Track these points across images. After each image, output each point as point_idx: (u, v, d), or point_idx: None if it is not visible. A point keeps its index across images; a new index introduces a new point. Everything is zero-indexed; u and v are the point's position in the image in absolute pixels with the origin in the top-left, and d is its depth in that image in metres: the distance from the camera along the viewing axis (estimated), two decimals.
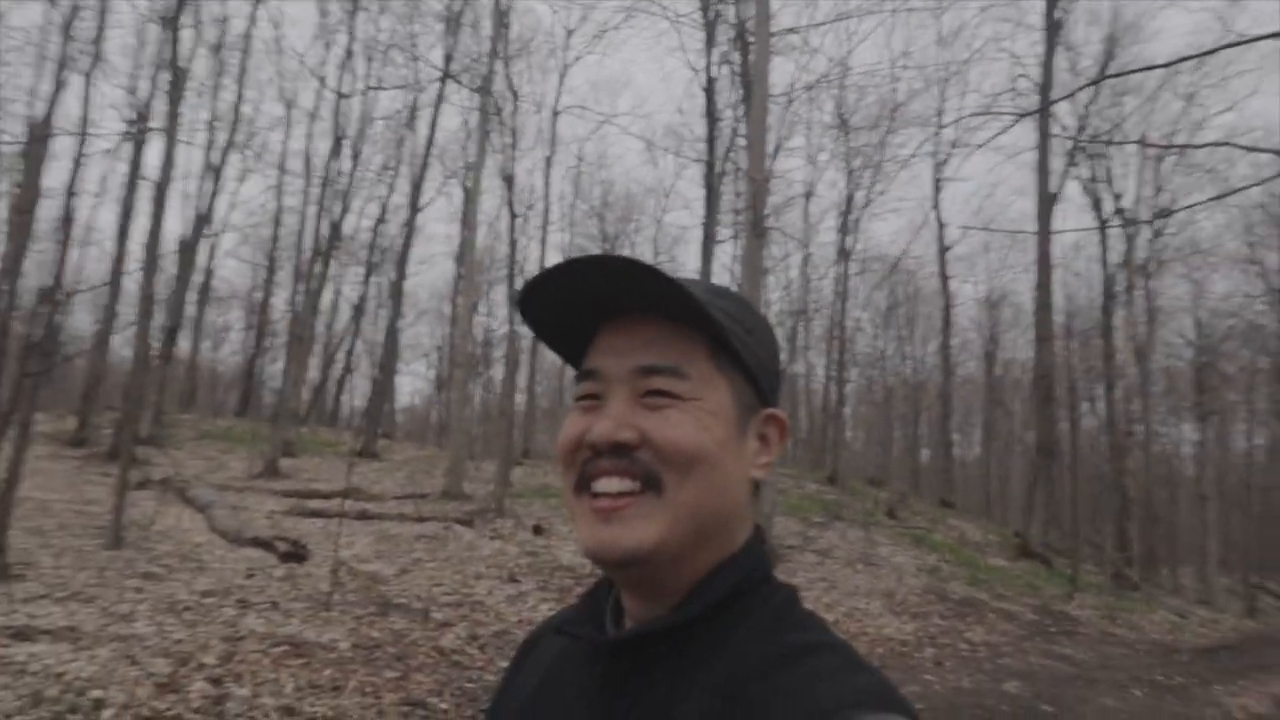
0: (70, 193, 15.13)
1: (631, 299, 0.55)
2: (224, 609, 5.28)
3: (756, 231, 11.20)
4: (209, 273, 25.70)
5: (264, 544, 7.36)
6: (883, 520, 14.00)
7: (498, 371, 30.24)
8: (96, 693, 3.59)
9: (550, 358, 30.92)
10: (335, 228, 18.48)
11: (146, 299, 14.08)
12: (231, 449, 15.78)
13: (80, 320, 21.75)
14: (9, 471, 5.64)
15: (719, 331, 0.54)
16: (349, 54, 17.66)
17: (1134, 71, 13.46)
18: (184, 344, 27.30)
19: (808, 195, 23.41)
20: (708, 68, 18.73)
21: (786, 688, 0.49)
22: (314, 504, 10.39)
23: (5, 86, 16.63)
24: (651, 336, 0.56)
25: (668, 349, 0.55)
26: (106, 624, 4.68)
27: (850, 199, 21.17)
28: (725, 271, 23.22)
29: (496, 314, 27.98)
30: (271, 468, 12.91)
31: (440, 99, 19.56)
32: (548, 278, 0.55)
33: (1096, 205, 18.63)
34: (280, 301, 24.45)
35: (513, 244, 14.14)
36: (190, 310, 21.63)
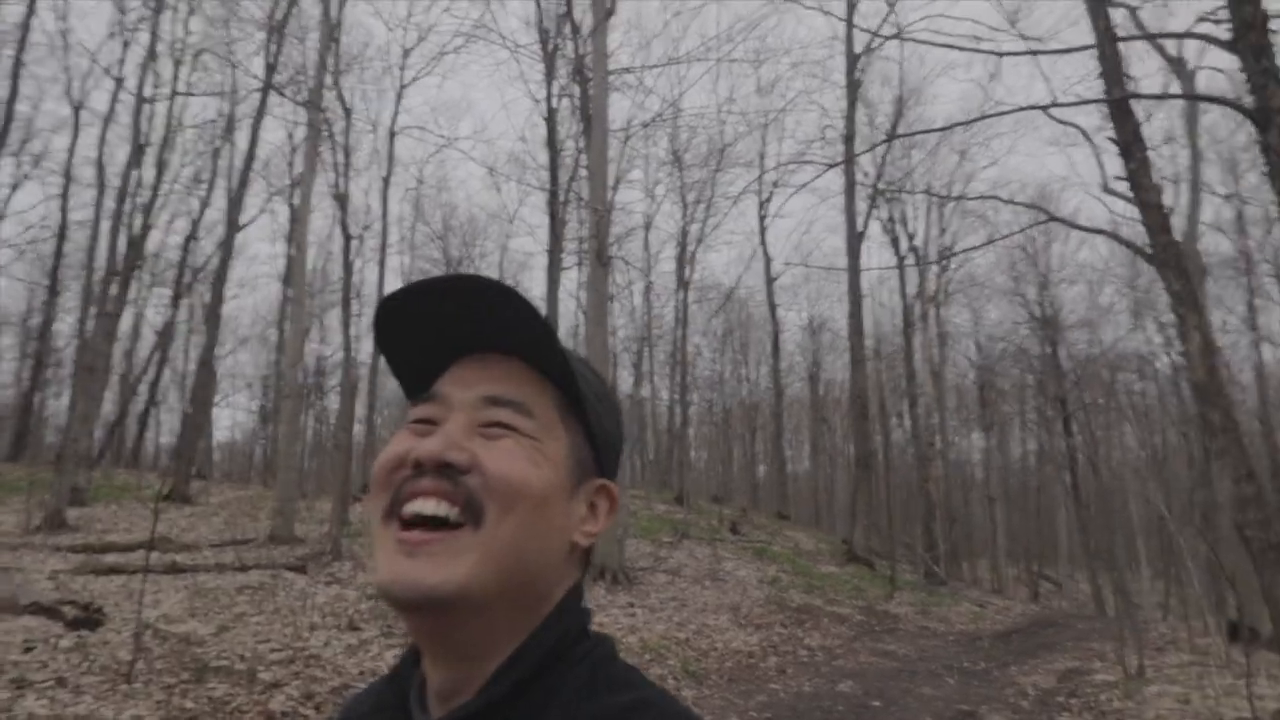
0: None
1: (490, 333, 0.54)
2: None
3: (601, 260, 11.53)
4: None
5: (46, 610, 6.34)
6: (727, 536, 14.72)
7: (331, 401, 28.30)
8: None
9: (391, 386, 29.45)
10: (135, 244, 16.46)
11: None
12: (2, 499, 13.44)
13: None
14: None
15: (571, 379, 0.54)
16: (152, 55, 15.97)
17: (917, 133, 15.63)
18: None
19: (647, 226, 24.37)
20: (548, 98, 19.02)
21: None
22: (110, 559, 9.12)
23: None
24: (503, 371, 0.54)
25: (518, 386, 0.54)
26: None
27: (686, 231, 22.33)
28: (570, 298, 23.51)
29: (330, 339, 26.24)
30: (55, 519, 11.15)
31: (262, 110, 18.19)
32: (409, 295, 0.53)
33: (895, 243, 21.21)
34: (65, 327, 21.32)
35: (347, 266, 13.40)
36: None
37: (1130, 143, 4.65)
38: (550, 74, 18.02)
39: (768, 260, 22.23)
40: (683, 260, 21.62)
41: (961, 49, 6.21)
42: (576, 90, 17.17)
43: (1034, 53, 4.88)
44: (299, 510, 12.59)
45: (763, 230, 22.40)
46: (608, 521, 0.58)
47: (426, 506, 0.49)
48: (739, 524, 16.18)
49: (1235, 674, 5.66)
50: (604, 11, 12.01)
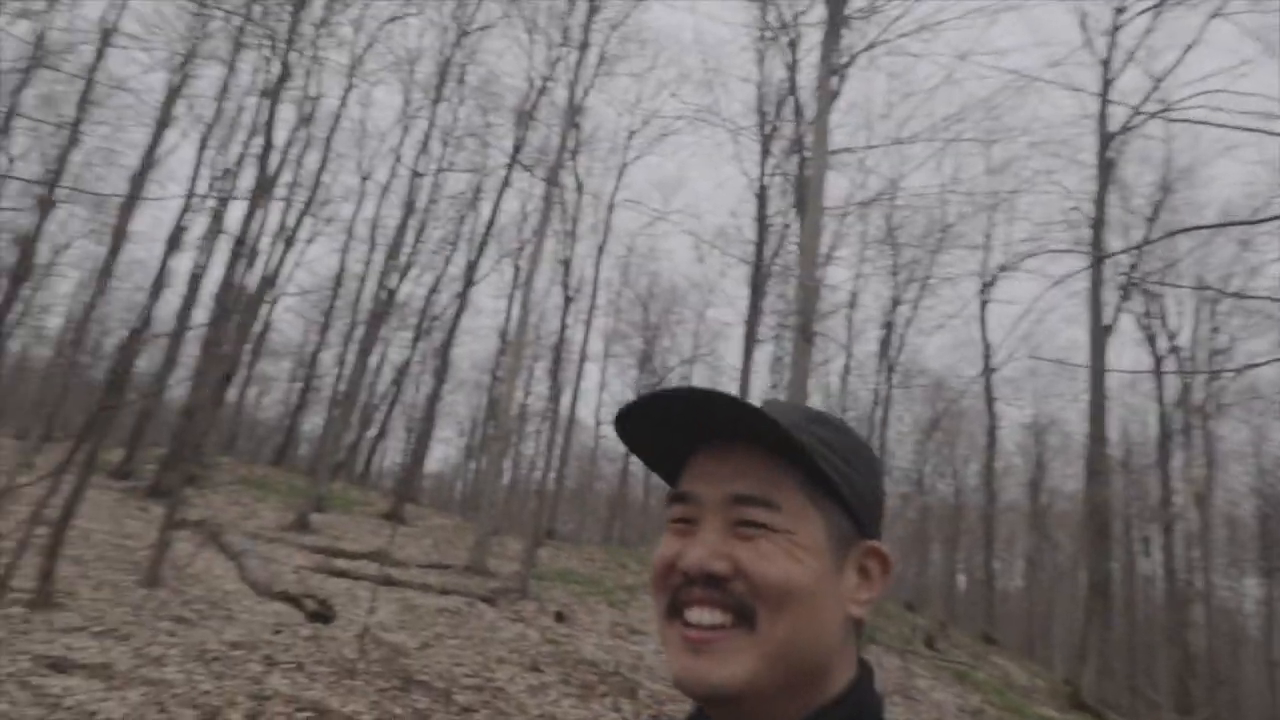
0: (171, 244, 16.09)
1: (723, 426, 0.55)
2: (250, 664, 5.18)
3: (805, 336, 11.29)
4: (267, 325, 26.74)
5: (292, 600, 7.28)
6: (921, 650, 13.24)
7: (526, 447, 30.29)
8: None
9: (584, 439, 30.87)
10: (391, 294, 19.21)
11: (212, 346, 14.65)
12: (265, 497, 15.88)
13: (141, 360, 22.61)
14: (67, 501, 5.76)
15: (810, 462, 0.54)
16: (427, 137, 18.90)
17: (1183, 231, 13.64)
18: (233, 390, 28.11)
19: (851, 304, 23.69)
20: (761, 176, 19.53)
21: None
22: (340, 563, 10.30)
23: (111, 140, 18.08)
24: (744, 463, 0.55)
25: (760, 478, 0.54)
26: (138, 665, 4.62)
27: (894, 310, 21.33)
28: (764, 368, 23.30)
29: (534, 389, 28.30)
30: (302, 521, 12.92)
31: (505, 183, 20.66)
32: (638, 406, 0.56)
33: (1151, 341, 18.39)
34: (328, 358, 25.18)
35: (563, 325, 14.51)
36: (245, 358, 22.36)
37: None
38: (765, 152, 18.58)
39: (987, 348, 20.49)
40: (889, 340, 20.64)
41: (1246, 129, 5.34)
42: (791, 169, 17.50)
43: None
44: (492, 545, 13.43)
45: (984, 316, 20.79)
46: (883, 585, 0.58)
47: (704, 618, 0.52)
48: (936, 638, 14.51)
49: None
50: (829, 95, 12.15)
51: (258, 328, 21.02)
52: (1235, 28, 15.51)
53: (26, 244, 15.20)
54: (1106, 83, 15.56)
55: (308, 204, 21.28)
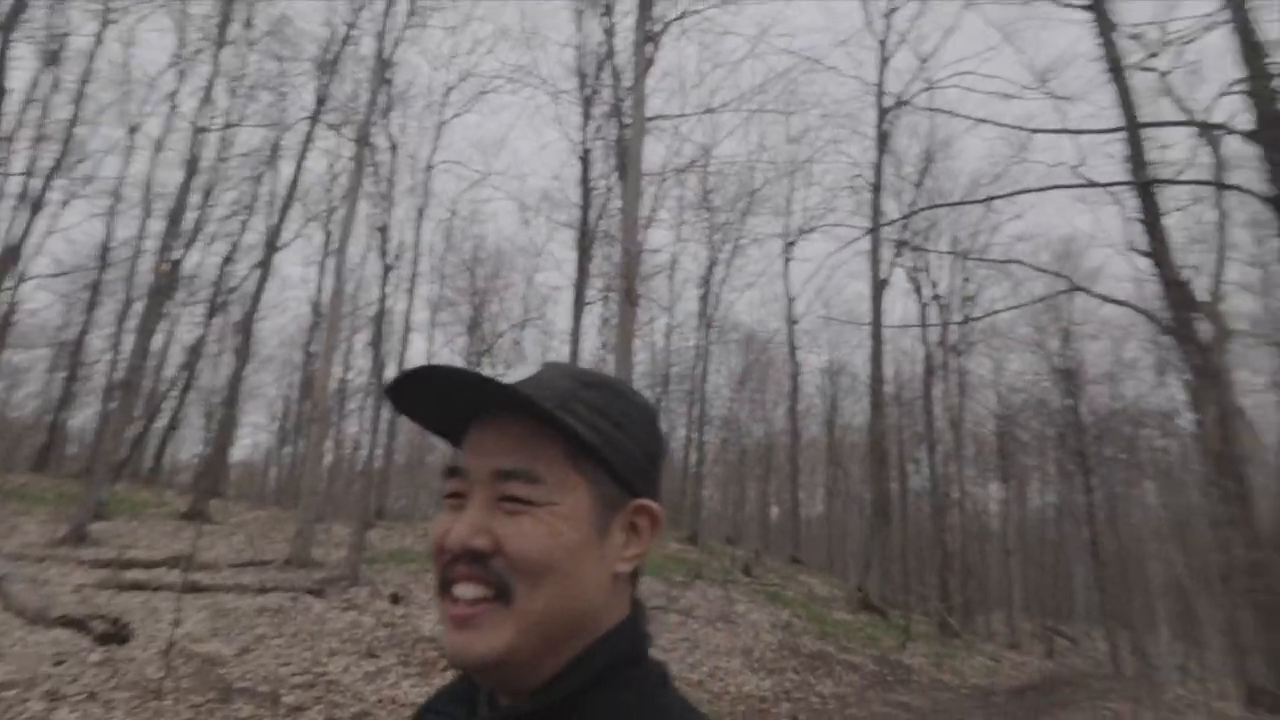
0: None
1: (490, 401, 0.57)
2: (29, 703, 4.63)
3: (629, 300, 11.73)
4: (12, 306, 22.56)
5: (75, 624, 6.49)
6: (739, 578, 14.59)
7: (350, 425, 28.58)
8: None
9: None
10: (176, 264, 17.02)
11: None
12: (28, 510, 13.69)
13: None
14: None
15: (571, 431, 0.56)
16: (209, 85, 16.70)
17: (944, 205, 15.93)
18: None
19: (672, 266, 24.74)
20: (584, 140, 19.61)
21: None
22: (134, 575, 9.26)
23: None
24: (509, 436, 0.57)
25: (523, 451, 0.57)
26: None
27: (711, 272, 22.62)
28: (594, 330, 23.78)
29: (355, 364, 26.64)
30: (79, 533, 11.35)
31: (309, 141, 18.88)
32: (400, 383, 0.58)
33: (918, 292, 21.36)
34: (97, 342, 21.87)
35: (383, 294, 13.78)
36: None
37: (1152, 223, 4.80)
38: (587, 116, 18.60)
39: (790, 302, 22.44)
40: (706, 299, 21.87)
41: (991, 123, 6.38)
42: (612, 133, 17.71)
43: (1060, 130, 5.05)
44: (316, 534, 12.71)
45: (786, 274, 22.67)
46: (652, 538, 0.60)
47: (466, 591, 0.55)
48: (752, 566, 16.05)
49: None
50: (645, 62, 12.45)
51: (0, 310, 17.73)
52: (982, 19, 17.89)
53: None
54: (883, 60, 17.35)
55: (58, 161, 18.07)
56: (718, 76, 35.35)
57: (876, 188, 16.75)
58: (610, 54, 16.62)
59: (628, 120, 15.64)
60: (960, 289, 20.37)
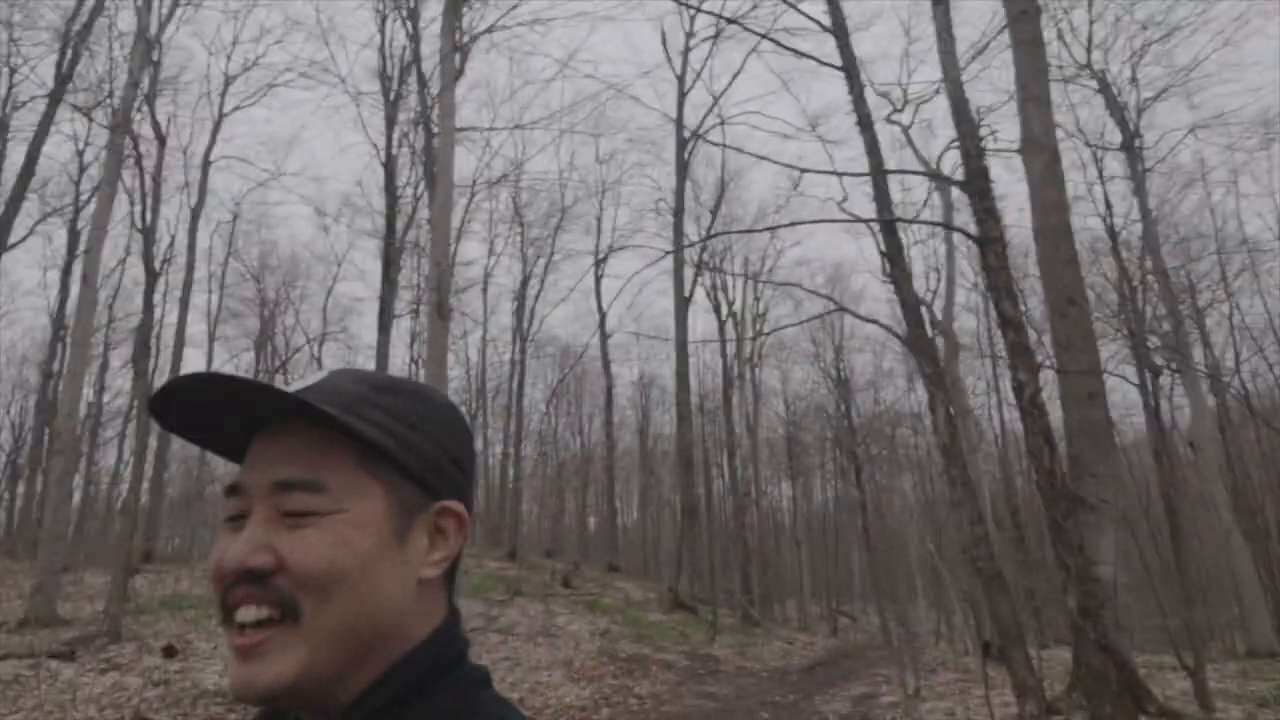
0: None
1: (269, 411, 0.54)
2: None
3: (441, 314, 11.50)
4: None
5: None
6: (559, 591, 14.76)
7: (105, 455, 24.55)
8: None
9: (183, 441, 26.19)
10: None
11: None
12: None
13: None
14: None
15: (359, 435, 0.53)
16: None
17: (736, 232, 17.57)
18: None
19: (485, 279, 24.47)
20: (389, 145, 18.80)
21: None
22: None
23: None
24: (291, 446, 0.53)
25: (306, 460, 0.53)
26: None
27: (525, 286, 22.71)
28: (402, 344, 22.76)
29: (112, 384, 22.98)
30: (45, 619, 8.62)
31: (47, 123, 16.04)
32: (170, 394, 0.53)
33: (716, 309, 23.29)
34: None
35: (148, 304, 12.05)
36: None
37: (894, 255, 5.81)
38: (391, 121, 17.82)
39: (603, 317, 23.16)
40: (521, 314, 21.86)
41: (772, 161, 7.25)
42: (418, 140, 17.14)
43: (828, 172, 5.94)
44: (62, 586, 10.81)
45: (598, 290, 23.39)
46: (459, 540, 0.57)
47: (247, 615, 0.50)
48: (571, 578, 16.28)
49: (991, 686, 6.83)
50: (453, 72, 12.30)
51: None
52: (764, 65, 20.04)
53: None
54: (682, 95, 18.70)
55: None
56: (528, 93, 35.66)
57: (678, 211, 17.97)
58: (416, 60, 16.14)
59: (436, 129, 15.28)
60: (752, 307, 22.55)
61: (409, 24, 15.69)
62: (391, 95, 18.47)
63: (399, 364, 22.15)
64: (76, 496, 19.74)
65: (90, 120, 15.97)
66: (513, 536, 19.18)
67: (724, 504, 24.07)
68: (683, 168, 18.15)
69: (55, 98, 15.43)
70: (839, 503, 27.80)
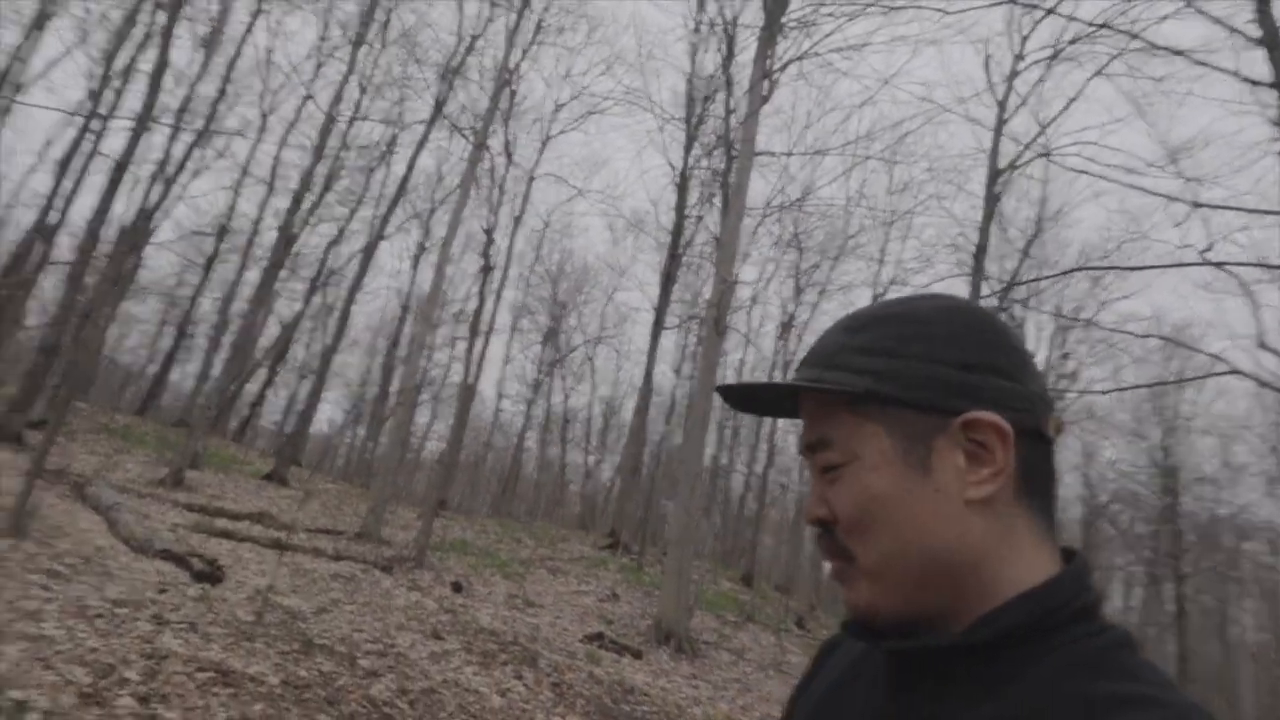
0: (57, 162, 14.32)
1: (785, 393, 0.62)
2: (138, 623, 4.89)
3: (718, 329, 11.75)
4: (138, 261, 24.39)
5: (176, 558, 6.86)
6: (792, 629, 14.17)
7: (420, 415, 29.40)
8: (16, 693, 3.29)
9: (481, 412, 30.41)
10: (290, 240, 18.06)
11: (74, 283, 13.30)
12: (130, 449, 14.63)
13: None
14: None
15: (836, 392, 0.56)
16: (345, 80, 17.85)
17: (1078, 270, 15.28)
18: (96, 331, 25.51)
19: (754, 300, 24.67)
20: (684, 167, 19.91)
21: None
22: (222, 523, 9.74)
23: None
24: (810, 410, 0.59)
25: (818, 421, 0.58)
26: (12, 619, 4.27)
27: (794, 313, 22.40)
28: (670, 354, 23.85)
29: (434, 358, 27.50)
30: (177, 477, 12.05)
31: (423, 141, 19.87)
32: (731, 392, 0.63)
33: None
34: (207, 302, 23.36)
35: (482, 295, 14.25)
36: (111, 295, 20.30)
37: None
38: (690, 144, 18.91)
39: None
40: (786, 341, 21.66)
41: (1142, 189, 6.15)
42: (714, 164, 17.92)
43: (1196, 204, 4.81)
44: (386, 513, 13.09)
45: None
46: (1005, 451, 0.52)
47: (828, 567, 0.60)
48: (805, 619, 15.57)
49: None
50: (760, 99, 12.60)
51: (130, 263, 19.15)
52: (1113, 88, 17.30)
53: None
54: (1001, 122, 16.99)
55: (200, 134, 19.57)
56: (831, 120, 35.31)
57: (981, 249, 16.30)
58: (728, 85, 16.86)
59: (735, 152, 15.78)
60: (1058, 365, 19.48)
61: (724, 48, 16.46)
62: (694, 120, 19.59)
63: (664, 371, 23.21)
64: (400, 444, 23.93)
65: (460, 134, 19.26)
66: (750, 562, 18.95)
67: None
68: (992, 201, 16.48)
69: (431, 121, 19.02)
70: (1146, 616, 22.73)
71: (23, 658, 3.77)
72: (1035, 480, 0.54)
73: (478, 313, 13.85)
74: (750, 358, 25.08)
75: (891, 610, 0.54)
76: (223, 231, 22.37)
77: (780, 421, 25.79)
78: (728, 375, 25.96)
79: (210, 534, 9.05)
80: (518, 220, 23.59)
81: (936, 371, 0.54)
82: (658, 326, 19.96)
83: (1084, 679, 0.47)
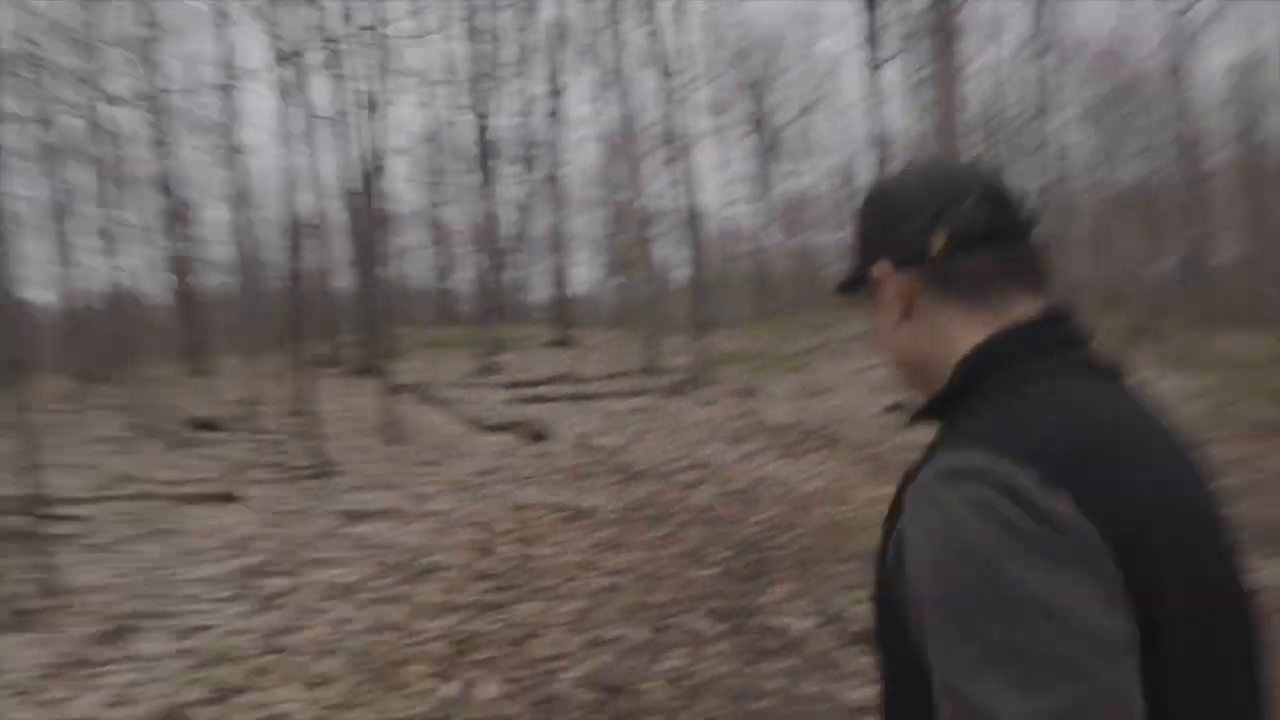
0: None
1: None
2: (498, 485, 5.93)
3: (945, 31, 9.71)
4: (386, 199, 27.65)
5: (505, 428, 8.11)
6: (1129, 342, 12.51)
7: (660, 247, 30.22)
8: (434, 557, 4.19)
9: (717, 222, 30.27)
10: (484, 132, 18.89)
11: (363, 234, 15.46)
12: (446, 354, 17.45)
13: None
14: (305, 392, 6.56)
15: (842, 285, 0.80)
16: None
17: None
18: (383, 265, 30.11)
19: None
20: None
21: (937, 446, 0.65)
22: (532, 391, 11.25)
23: None
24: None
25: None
26: (415, 504, 5.43)
27: None
28: (897, 96, 20.72)
29: (651, 188, 27.55)
30: (488, 365, 14.11)
31: None
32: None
33: None
34: (453, 213, 25.88)
35: (668, 110, 13.58)
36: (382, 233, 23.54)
37: None
38: None
39: None
40: (1042, 10, 17.39)
41: None
42: None
43: None
44: (659, 345, 14.01)
45: None
46: (892, 285, 0.71)
47: None
48: (1144, 330, 13.64)
49: None
50: None
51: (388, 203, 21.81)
52: None
53: None
54: None
55: (383, 62, 20.72)
56: None
57: None
58: None
59: None
60: None
61: None
62: None
63: (893, 117, 20.46)
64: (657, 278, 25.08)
65: None
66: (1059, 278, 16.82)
67: None
68: None
69: None
70: None
71: (428, 530, 4.79)
72: (953, 283, 0.67)
73: (672, 129, 13.26)
74: (1001, 53, 20.72)
75: (918, 396, 0.73)
76: (438, 143, 24.15)
77: (1062, 113, 21.43)
78: (974, 89, 21.97)
79: (526, 401, 10.54)
80: (678, 6, 21.54)
81: (864, 244, 0.75)
82: (874, 61, 17.35)
83: (959, 419, 0.65)
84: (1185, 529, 0.56)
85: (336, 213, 18.67)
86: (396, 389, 11.91)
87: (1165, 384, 9.84)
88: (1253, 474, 5.99)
